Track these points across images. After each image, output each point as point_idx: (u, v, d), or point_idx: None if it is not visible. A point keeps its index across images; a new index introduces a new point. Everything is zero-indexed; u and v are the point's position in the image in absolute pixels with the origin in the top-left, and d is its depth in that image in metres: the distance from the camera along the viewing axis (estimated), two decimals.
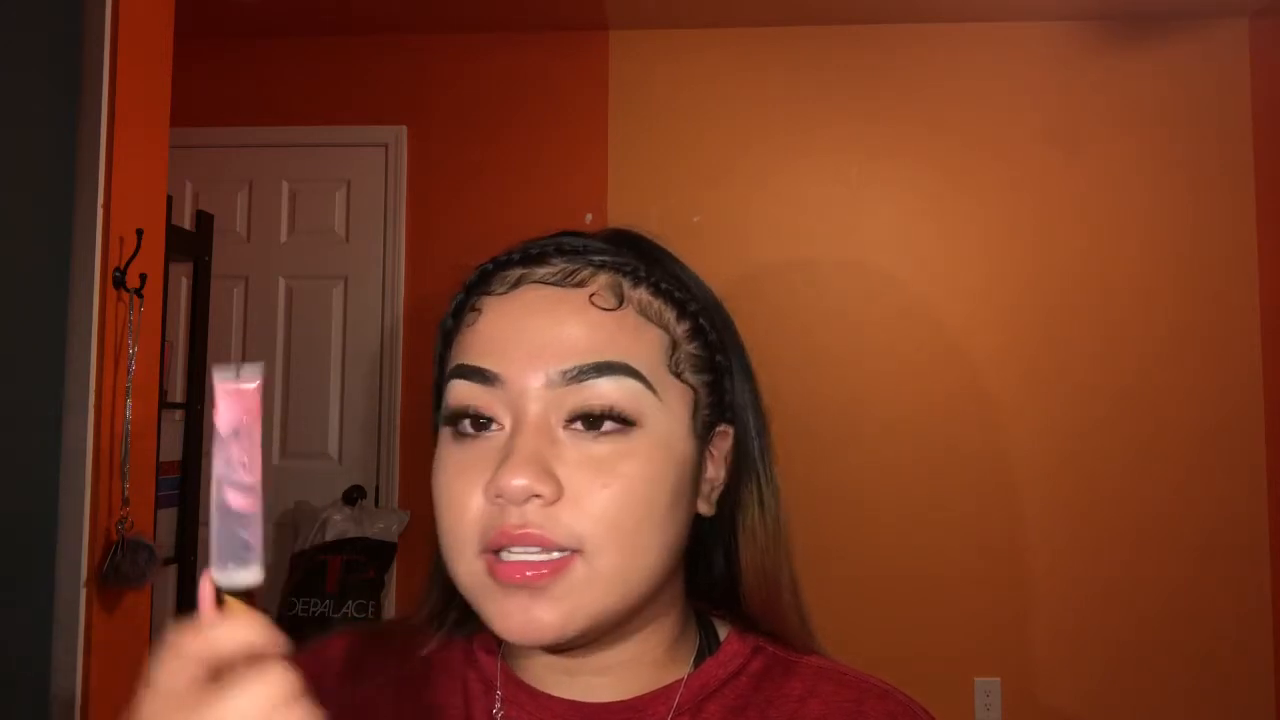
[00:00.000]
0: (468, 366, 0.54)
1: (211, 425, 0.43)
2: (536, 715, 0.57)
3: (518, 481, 0.49)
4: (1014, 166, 2.87)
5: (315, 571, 2.60)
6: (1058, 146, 2.86)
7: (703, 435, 0.57)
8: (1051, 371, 2.81)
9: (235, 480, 0.43)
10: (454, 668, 0.61)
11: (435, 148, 3.00)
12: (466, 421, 0.54)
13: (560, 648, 0.53)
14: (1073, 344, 2.81)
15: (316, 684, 0.60)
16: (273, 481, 2.83)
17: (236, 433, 0.43)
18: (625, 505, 0.51)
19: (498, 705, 0.58)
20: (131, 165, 1.62)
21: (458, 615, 0.61)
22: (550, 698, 0.57)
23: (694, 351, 0.56)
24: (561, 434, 0.52)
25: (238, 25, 2.98)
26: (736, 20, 2.92)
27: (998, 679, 2.74)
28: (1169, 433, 2.76)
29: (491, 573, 0.51)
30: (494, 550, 0.51)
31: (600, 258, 0.55)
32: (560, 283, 0.54)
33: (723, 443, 0.59)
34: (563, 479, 0.51)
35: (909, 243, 2.88)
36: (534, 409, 0.52)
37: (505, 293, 0.55)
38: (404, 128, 3.02)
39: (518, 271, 0.55)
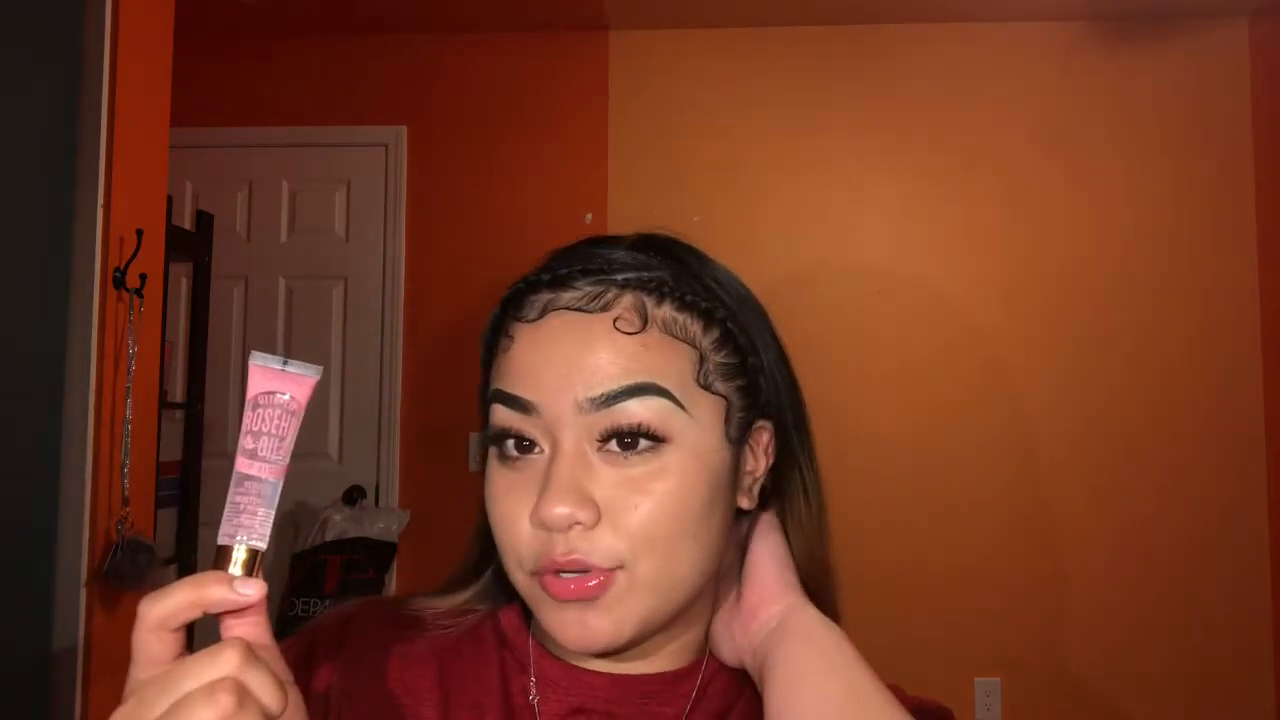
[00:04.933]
0: (505, 394, 0.56)
1: (249, 395, 0.48)
2: (571, 690, 0.59)
3: (559, 510, 0.52)
4: (1014, 166, 2.87)
5: (315, 571, 2.60)
6: (1057, 146, 2.86)
7: (738, 439, 0.58)
8: (1051, 373, 2.81)
9: (261, 450, 0.47)
10: (485, 639, 0.63)
11: (435, 148, 3.00)
12: (510, 443, 0.56)
13: (611, 651, 0.56)
14: (1072, 344, 2.81)
15: (341, 649, 0.62)
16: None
17: (294, 412, 0.48)
18: (658, 521, 0.53)
19: (533, 691, 0.60)
20: (131, 165, 1.62)
21: (486, 585, 0.65)
22: (585, 671, 0.59)
23: (723, 360, 0.57)
24: (595, 458, 0.54)
25: (238, 25, 2.98)
26: (736, 20, 2.92)
27: (998, 679, 2.74)
28: (1169, 433, 2.76)
29: (545, 589, 0.54)
30: (546, 572, 0.54)
31: (624, 275, 0.56)
32: (585, 308, 0.56)
33: (762, 436, 0.61)
34: (600, 501, 0.53)
35: (909, 242, 2.88)
36: (568, 435, 0.54)
37: (535, 320, 0.57)
38: (404, 128, 3.02)
39: (545, 296, 0.57)
